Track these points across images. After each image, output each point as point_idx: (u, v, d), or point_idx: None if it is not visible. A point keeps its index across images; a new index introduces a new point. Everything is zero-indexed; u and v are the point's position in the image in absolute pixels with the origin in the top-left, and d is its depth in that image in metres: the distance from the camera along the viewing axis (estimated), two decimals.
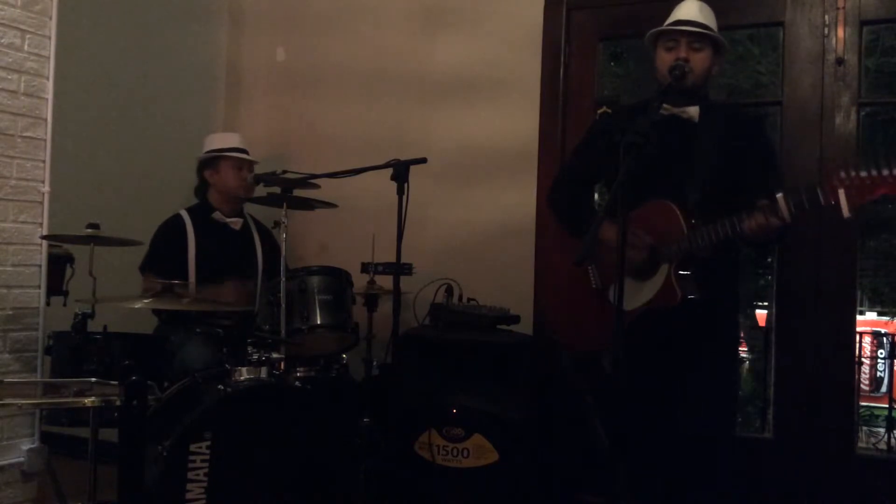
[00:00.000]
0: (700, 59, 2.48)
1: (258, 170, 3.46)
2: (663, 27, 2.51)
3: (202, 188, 3.44)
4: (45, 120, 2.86)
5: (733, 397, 2.50)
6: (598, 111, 2.58)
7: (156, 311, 3.17)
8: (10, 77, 2.75)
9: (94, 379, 2.22)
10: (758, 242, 2.32)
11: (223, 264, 3.28)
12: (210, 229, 3.34)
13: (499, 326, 3.15)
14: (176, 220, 3.32)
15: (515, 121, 3.52)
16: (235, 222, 3.40)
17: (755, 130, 2.59)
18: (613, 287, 2.43)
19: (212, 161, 3.39)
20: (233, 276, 3.23)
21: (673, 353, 2.46)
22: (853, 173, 2.01)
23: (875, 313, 6.90)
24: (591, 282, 2.57)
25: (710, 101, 2.57)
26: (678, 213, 2.35)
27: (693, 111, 2.48)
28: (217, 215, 3.37)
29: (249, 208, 3.50)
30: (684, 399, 2.49)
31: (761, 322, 4.41)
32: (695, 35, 2.47)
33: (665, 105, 2.45)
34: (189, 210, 3.37)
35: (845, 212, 2.03)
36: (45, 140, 2.86)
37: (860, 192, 2.00)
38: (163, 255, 3.24)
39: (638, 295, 2.40)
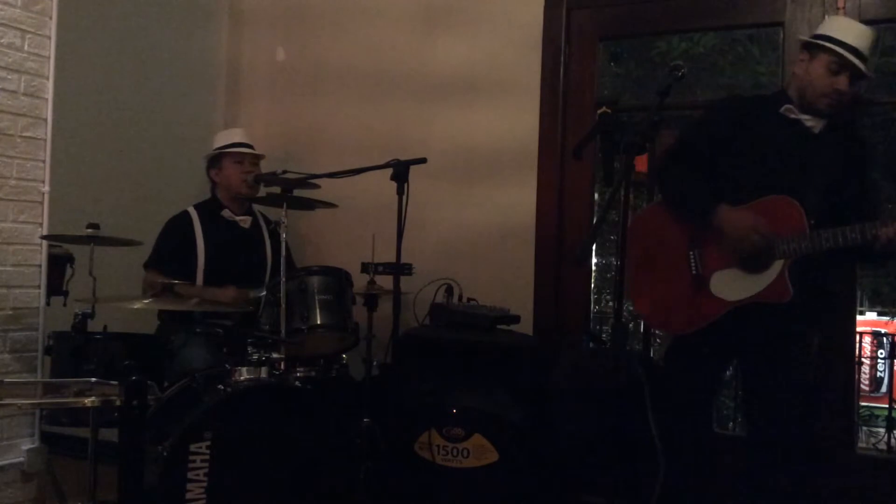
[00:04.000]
0: (851, 90, 2.48)
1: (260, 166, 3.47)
2: (842, 52, 2.41)
3: (212, 186, 3.44)
4: (45, 120, 2.86)
5: (809, 401, 2.50)
6: (598, 111, 2.57)
7: (157, 311, 3.17)
8: (10, 77, 2.75)
9: (94, 379, 2.22)
10: (885, 253, 2.31)
11: (231, 262, 3.28)
12: (218, 227, 3.33)
13: (499, 326, 3.15)
14: (183, 217, 3.31)
15: (515, 121, 3.52)
16: (244, 220, 3.39)
17: (865, 152, 2.63)
18: (717, 275, 2.48)
19: (215, 160, 3.40)
20: (237, 278, 3.22)
21: (758, 349, 2.47)
22: None
23: (875, 313, 6.90)
24: (689, 268, 2.53)
25: (833, 117, 2.53)
26: (803, 212, 2.36)
27: (817, 123, 2.49)
28: (226, 213, 3.37)
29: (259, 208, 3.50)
30: (763, 397, 2.51)
31: None
32: (861, 74, 2.45)
33: (790, 107, 2.49)
34: (197, 207, 3.36)
35: None
36: (45, 140, 2.86)
37: None
38: (169, 252, 3.23)
39: (743, 287, 2.42)
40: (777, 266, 2.37)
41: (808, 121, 2.49)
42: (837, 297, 2.89)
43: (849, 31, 2.46)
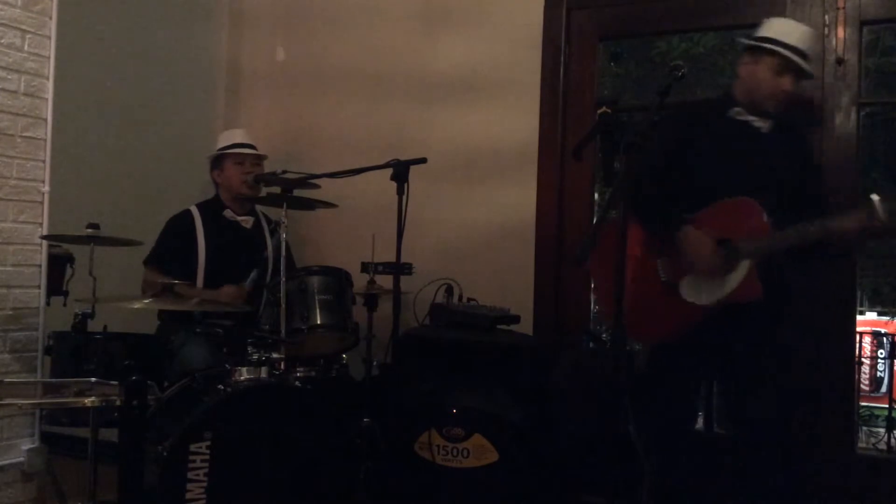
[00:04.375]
0: (796, 90, 2.53)
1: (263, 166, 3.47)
2: (787, 54, 2.47)
3: (216, 187, 3.44)
4: (45, 120, 2.86)
5: (787, 400, 2.54)
6: (598, 111, 2.57)
7: (157, 311, 3.17)
8: (10, 77, 2.74)
9: (94, 379, 2.22)
10: (847, 246, 2.37)
11: (232, 263, 3.27)
12: (220, 227, 3.34)
13: (499, 326, 3.15)
14: (185, 216, 3.31)
15: (515, 121, 3.52)
16: (246, 220, 3.40)
17: (810, 153, 2.69)
18: (685, 280, 2.49)
19: (217, 161, 3.40)
20: (238, 278, 3.22)
21: (740, 350, 2.49)
22: None
23: (875, 313, 6.91)
24: (658, 276, 2.55)
25: (779, 116, 2.58)
26: (762, 211, 2.39)
27: (765, 123, 2.55)
28: (228, 213, 3.37)
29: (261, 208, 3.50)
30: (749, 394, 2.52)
31: None
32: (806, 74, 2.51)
33: (739, 109, 2.54)
34: (199, 206, 3.36)
35: None
36: (45, 140, 2.86)
37: None
38: (169, 251, 3.24)
39: (713, 289, 2.43)
40: (744, 265, 2.39)
41: (756, 121, 2.54)
42: (827, 291, 2.92)
43: (791, 32, 2.51)
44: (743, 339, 2.47)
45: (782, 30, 2.52)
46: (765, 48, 2.50)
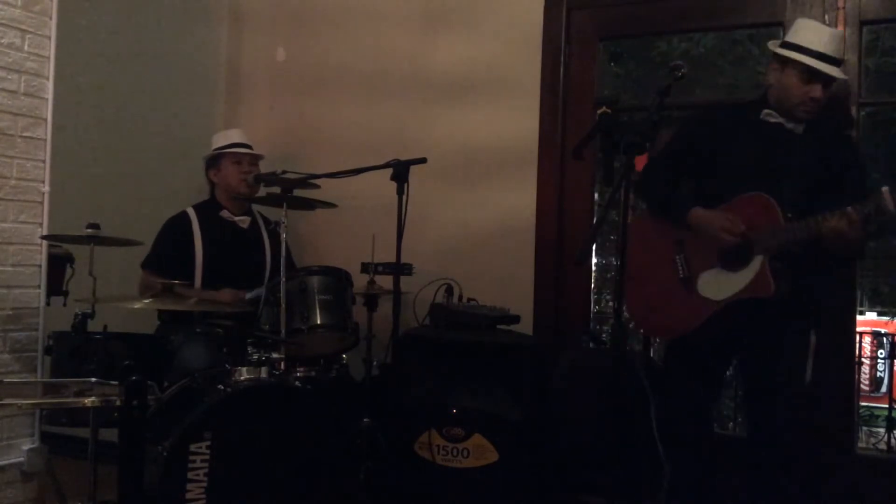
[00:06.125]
0: (826, 94, 2.50)
1: (259, 166, 3.47)
2: (811, 63, 2.43)
3: (211, 187, 3.44)
4: (45, 120, 2.86)
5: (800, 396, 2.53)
6: (598, 111, 2.57)
7: (157, 311, 3.17)
8: (10, 77, 2.75)
9: (94, 379, 2.22)
10: (837, 247, 2.30)
11: (230, 263, 3.28)
12: (217, 228, 3.33)
13: (499, 326, 3.15)
14: (182, 218, 3.31)
15: (515, 121, 3.52)
16: (243, 220, 3.40)
17: (852, 153, 2.63)
18: (703, 276, 2.52)
19: (214, 160, 3.40)
20: (236, 278, 3.23)
21: (755, 346, 2.51)
22: None
23: (875, 313, 6.90)
24: (677, 272, 2.58)
25: (813, 121, 2.56)
26: (776, 206, 2.39)
27: (798, 125, 2.54)
28: (225, 213, 3.37)
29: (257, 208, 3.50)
30: (758, 392, 2.56)
31: None
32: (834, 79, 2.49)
33: (770, 111, 2.53)
34: (196, 207, 3.36)
35: None
36: (45, 140, 2.86)
37: None
38: (166, 254, 3.24)
39: (728, 285, 2.45)
40: (757, 261, 2.40)
41: (788, 124, 2.53)
42: (832, 298, 2.89)
43: (817, 37, 2.47)
44: (762, 337, 2.48)
45: (808, 36, 2.48)
46: (790, 56, 2.47)
